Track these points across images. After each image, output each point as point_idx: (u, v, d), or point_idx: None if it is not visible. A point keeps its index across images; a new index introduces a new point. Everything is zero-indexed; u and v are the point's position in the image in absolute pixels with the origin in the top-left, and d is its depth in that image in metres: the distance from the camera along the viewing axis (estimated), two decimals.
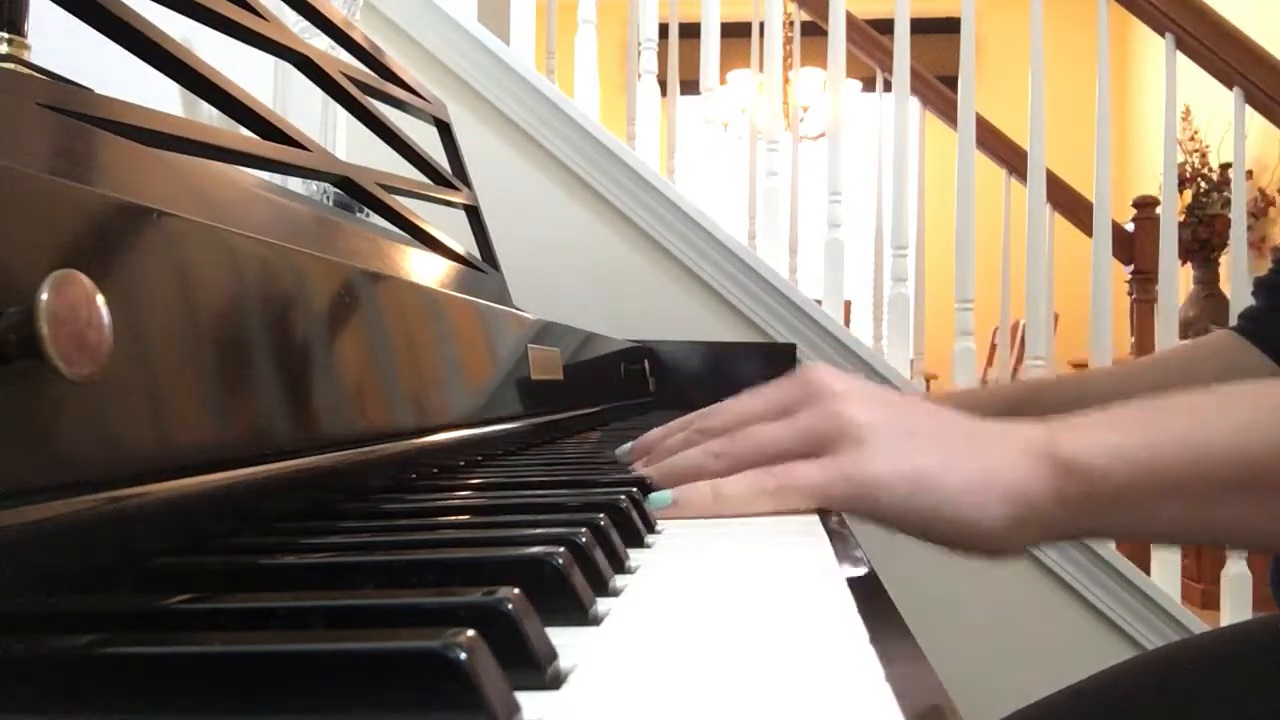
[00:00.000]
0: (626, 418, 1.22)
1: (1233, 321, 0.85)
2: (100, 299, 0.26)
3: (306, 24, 0.83)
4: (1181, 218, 3.21)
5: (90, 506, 0.26)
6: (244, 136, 0.58)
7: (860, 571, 0.35)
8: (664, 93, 2.13)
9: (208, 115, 0.78)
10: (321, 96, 0.84)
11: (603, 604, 0.30)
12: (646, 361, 1.46)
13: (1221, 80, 2.08)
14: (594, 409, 1.02)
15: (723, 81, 2.42)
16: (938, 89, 2.44)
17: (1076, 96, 3.65)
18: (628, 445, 0.60)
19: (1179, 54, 2.06)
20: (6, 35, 0.48)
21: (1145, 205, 2.65)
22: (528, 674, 0.22)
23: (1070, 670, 0.78)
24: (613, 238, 1.82)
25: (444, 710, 0.19)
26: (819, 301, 1.90)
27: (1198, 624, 1.77)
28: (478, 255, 1.03)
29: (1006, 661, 1.76)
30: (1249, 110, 2.07)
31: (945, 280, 2.10)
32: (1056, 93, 2.68)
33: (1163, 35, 2.07)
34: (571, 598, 0.28)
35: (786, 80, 3.44)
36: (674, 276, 1.82)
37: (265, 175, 0.75)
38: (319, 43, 0.82)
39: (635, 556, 0.38)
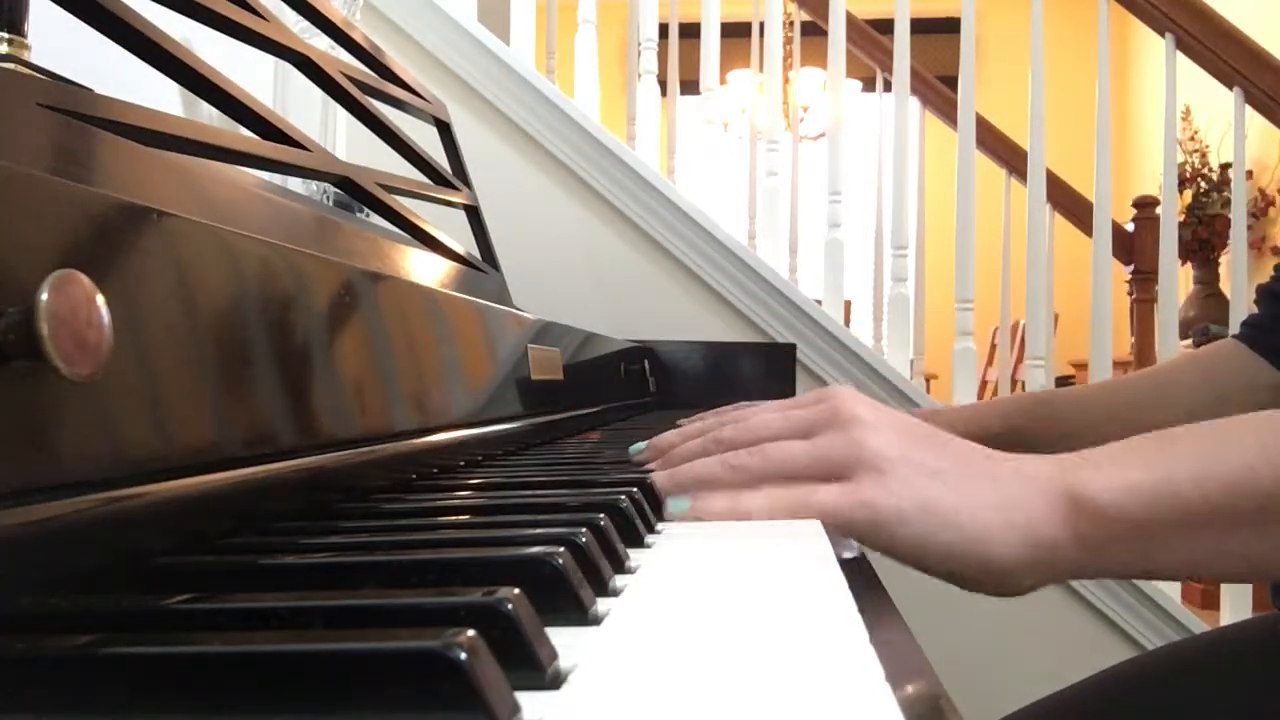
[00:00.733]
0: (626, 418, 1.23)
1: (1234, 327, 0.84)
2: (100, 299, 0.26)
3: (306, 24, 0.83)
4: (1181, 218, 3.21)
5: (90, 506, 0.26)
6: (244, 136, 0.58)
7: (859, 571, 0.35)
8: (664, 93, 2.13)
9: (208, 115, 0.78)
10: (321, 96, 0.84)
11: (603, 604, 0.30)
12: (646, 361, 1.46)
13: (1221, 80, 2.08)
14: (594, 409, 1.02)
15: (723, 81, 2.43)
16: (938, 89, 2.44)
17: (1076, 96, 3.66)
18: (642, 444, 0.60)
19: (1179, 54, 2.06)
20: (6, 35, 0.48)
21: (1145, 205, 2.65)
22: (528, 674, 0.22)
23: (1070, 670, 0.78)
24: (613, 238, 1.82)
25: (444, 710, 0.19)
26: (819, 301, 1.90)
27: (1198, 624, 1.77)
28: (478, 255, 1.03)
29: (1006, 661, 1.76)
30: (1249, 110, 2.07)
31: (945, 280, 2.10)
32: (1056, 93, 2.69)
33: (1163, 35, 2.07)
34: (571, 598, 0.28)
35: (786, 80, 3.44)
36: (674, 276, 1.82)
37: (265, 175, 0.75)
38: (319, 43, 0.82)
39: (635, 556, 0.38)
